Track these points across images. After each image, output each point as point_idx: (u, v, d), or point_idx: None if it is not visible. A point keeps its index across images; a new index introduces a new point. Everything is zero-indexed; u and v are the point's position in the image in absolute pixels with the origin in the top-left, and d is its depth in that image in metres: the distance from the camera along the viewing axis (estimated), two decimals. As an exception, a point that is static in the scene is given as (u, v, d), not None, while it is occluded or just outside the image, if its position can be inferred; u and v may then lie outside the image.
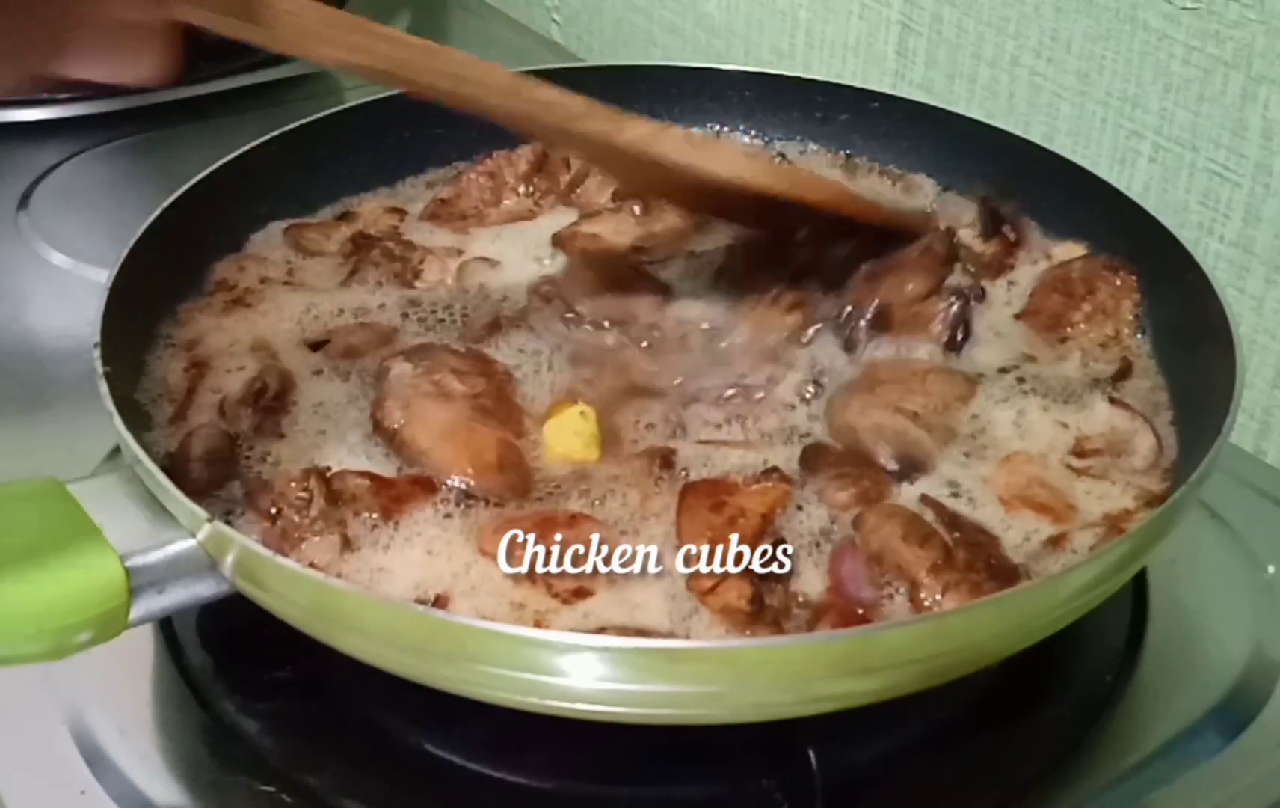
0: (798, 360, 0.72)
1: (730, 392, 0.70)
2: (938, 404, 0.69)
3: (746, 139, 0.95)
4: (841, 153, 0.93)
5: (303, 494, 0.62)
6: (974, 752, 0.63)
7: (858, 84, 0.95)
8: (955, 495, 0.65)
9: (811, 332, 0.74)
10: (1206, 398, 0.66)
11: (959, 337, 0.74)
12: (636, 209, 0.86)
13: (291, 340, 0.75)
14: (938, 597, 0.59)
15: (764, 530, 0.62)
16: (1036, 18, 0.95)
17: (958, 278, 0.77)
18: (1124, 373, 0.73)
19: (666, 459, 0.66)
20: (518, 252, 0.84)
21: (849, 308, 0.74)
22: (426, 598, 0.59)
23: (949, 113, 0.90)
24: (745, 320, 0.75)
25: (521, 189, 0.90)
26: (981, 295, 0.77)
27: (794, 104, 0.94)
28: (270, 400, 0.70)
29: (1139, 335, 0.76)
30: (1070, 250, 0.81)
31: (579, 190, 0.90)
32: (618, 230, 0.85)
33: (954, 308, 0.75)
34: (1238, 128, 0.84)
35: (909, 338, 0.74)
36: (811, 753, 0.57)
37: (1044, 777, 0.62)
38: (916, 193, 0.89)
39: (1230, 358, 0.65)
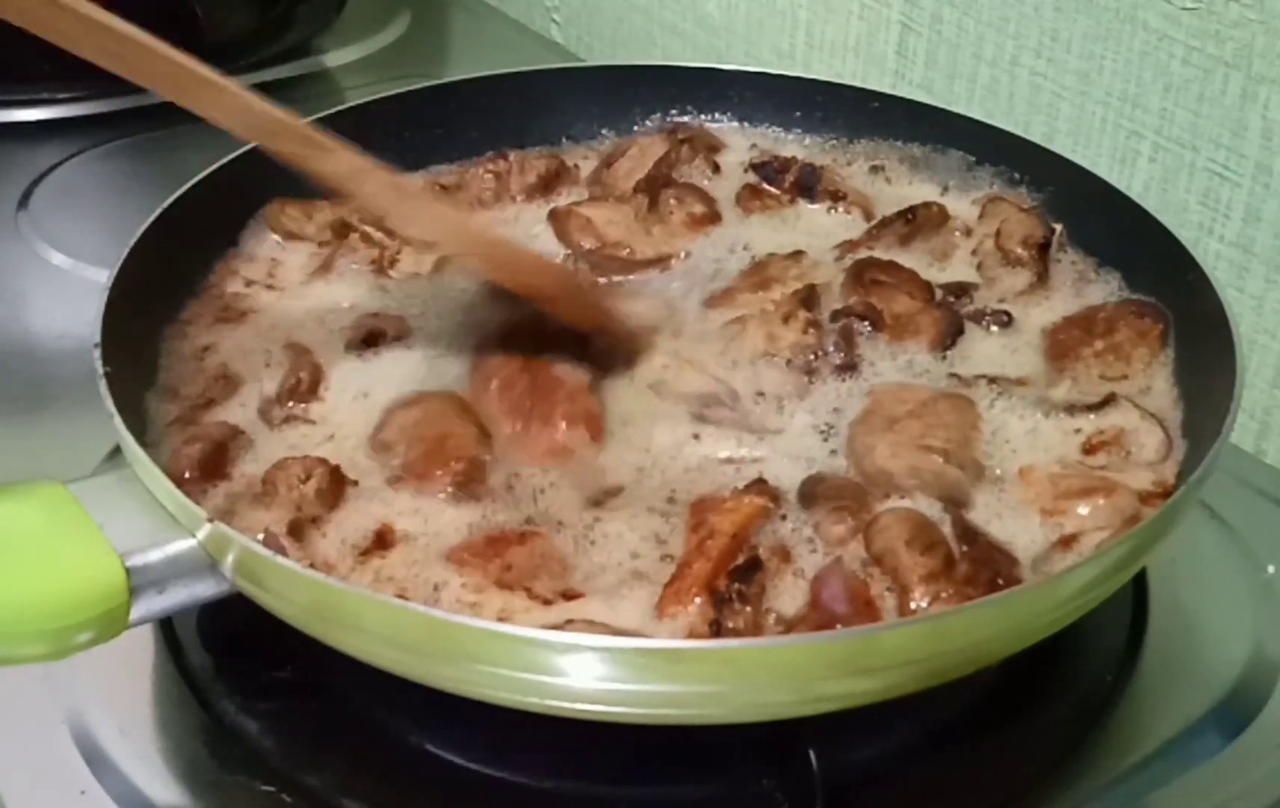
0: (807, 391, 0.71)
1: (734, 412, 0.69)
2: (957, 437, 0.67)
3: (748, 140, 0.95)
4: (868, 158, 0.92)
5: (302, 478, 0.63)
6: (974, 752, 0.63)
7: (858, 84, 0.95)
8: (998, 516, 0.64)
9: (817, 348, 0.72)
10: (1206, 398, 0.66)
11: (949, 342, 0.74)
12: (644, 206, 0.85)
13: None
14: (924, 605, 0.58)
15: (735, 550, 0.60)
16: (1036, 18, 0.95)
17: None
18: (1103, 404, 0.69)
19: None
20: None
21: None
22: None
23: (949, 113, 0.90)
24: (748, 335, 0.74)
25: (521, 198, 0.88)
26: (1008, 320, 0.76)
27: (794, 104, 0.94)
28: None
29: (1147, 376, 0.73)
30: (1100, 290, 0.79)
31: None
32: (611, 220, 0.84)
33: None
34: (1238, 128, 0.84)
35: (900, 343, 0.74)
36: (811, 753, 0.57)
37: (1044, 777, 0.62)
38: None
39: (1230, 358, 0.65)
